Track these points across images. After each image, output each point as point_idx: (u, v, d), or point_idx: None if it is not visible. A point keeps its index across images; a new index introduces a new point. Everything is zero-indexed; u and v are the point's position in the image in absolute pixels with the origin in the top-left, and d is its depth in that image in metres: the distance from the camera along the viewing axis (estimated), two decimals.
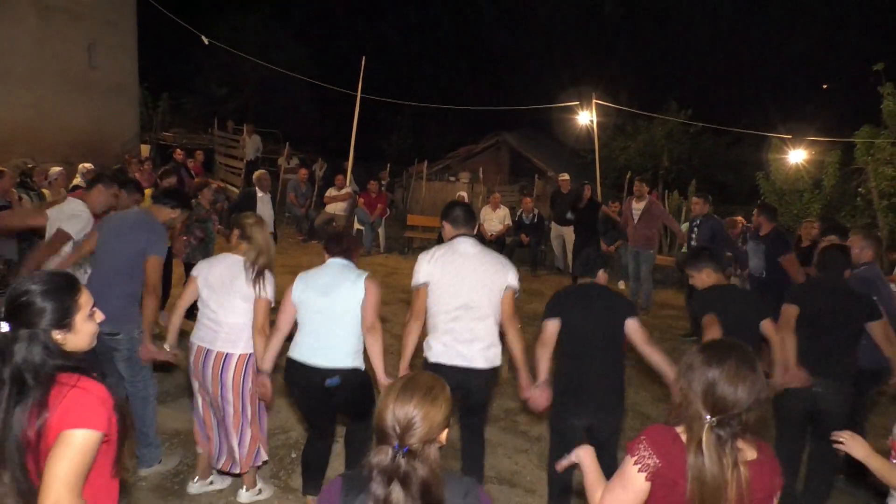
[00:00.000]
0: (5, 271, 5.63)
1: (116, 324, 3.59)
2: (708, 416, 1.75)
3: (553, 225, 11.33)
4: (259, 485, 3.79)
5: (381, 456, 1.57)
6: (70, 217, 4.38)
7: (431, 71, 32.04)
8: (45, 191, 6.69)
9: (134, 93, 16.05)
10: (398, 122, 26.39)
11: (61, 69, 13.71)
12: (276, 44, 24.72)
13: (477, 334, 3.47)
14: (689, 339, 7.34)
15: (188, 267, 6.36)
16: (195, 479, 3.77)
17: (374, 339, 3.42)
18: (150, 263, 3.83)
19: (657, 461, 1.80)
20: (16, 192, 6.10)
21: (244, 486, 3.72)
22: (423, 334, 3.63)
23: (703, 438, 1.73)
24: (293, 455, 4.34)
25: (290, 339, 3.56)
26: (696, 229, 7.65)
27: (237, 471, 3.67)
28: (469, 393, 3.51)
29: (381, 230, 12.02)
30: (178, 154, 11.82)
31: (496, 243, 11.31)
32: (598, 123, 14.55)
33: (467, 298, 3.46)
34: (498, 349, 3.57)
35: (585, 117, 15.09)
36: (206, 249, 6.61)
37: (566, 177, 11.39)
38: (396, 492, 1.54)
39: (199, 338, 3.60)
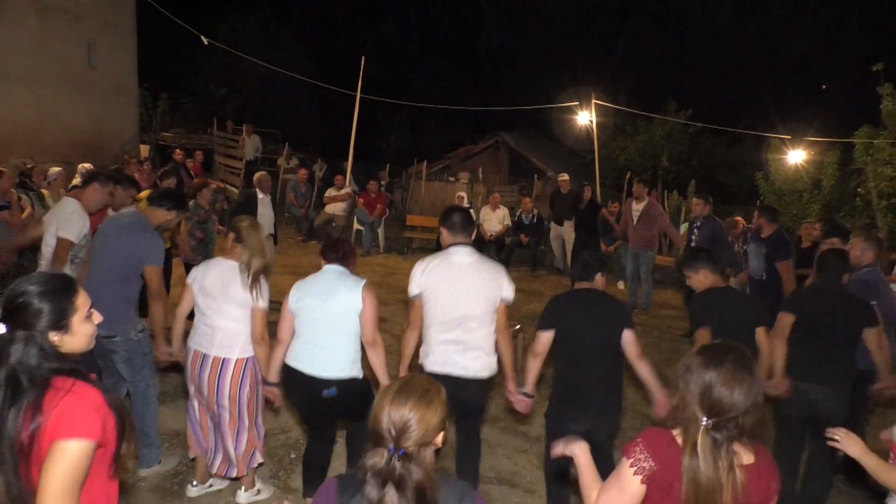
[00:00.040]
0: (5, 271, 5.63)
1: (112, 326, 3.59)
2: (704, 419, 1.75)
3: (552, 225, 11.33)
4: (258, 485, 3.79)
5: (377, 458, 1.56)
6: (64, 218, 4.35)
7: (431, 71, 32.07)
8: (44, 191, 6.69)
9: (133, 93, 16.05)
10: (397, 122, 26.39)
11: (61, 69, 13.71)
12: (275, 44, 24.73)
13: (472, 344, 3.45)
14: (688, 340, 7.33)
15: (188, 267, 6.35)
16: (194, 483, 3.77)
17: (376, 352, 3.46)
18: (149, 273, 3.87)
19: (653, 464, 1.80)
20: (15, 192, 6.09)
21: (243, 487, 3.72)
22: (420, 342, 3.63)
23: (699, 441, 1.73)
24: (292, 455, 4.34)
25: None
26: (696, 231, 7.64)
27: (233, 474, 3.66)
28: (464, 402, 3.49)
29: (380, 230, 12.01)
30: (178, 154, 11.82)
31: (495, 243, 11.32)
32: (598, 123, 14.56)
33: (463, 309, 3.43)
34: (493, 359, 3.55)
35: (585, 117, 15.09)
36: (205, 250, 6.61)
37: (566, 177, 11.39)
38: (391, 494, 1.54)
39: (196, 342, 3.59)
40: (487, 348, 3.51)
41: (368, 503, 1.56)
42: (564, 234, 11.01)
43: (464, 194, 12.28)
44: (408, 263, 9.53)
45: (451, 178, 16.76)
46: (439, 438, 1.66)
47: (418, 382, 1.68)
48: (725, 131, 18.12)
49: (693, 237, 7.63)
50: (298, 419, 4.57)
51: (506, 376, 3.63)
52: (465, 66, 32.85)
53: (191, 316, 3.72)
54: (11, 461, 1.63)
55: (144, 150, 15.65)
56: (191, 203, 6.90)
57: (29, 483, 1.64)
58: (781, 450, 3.89)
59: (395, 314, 7.48)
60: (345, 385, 3.37)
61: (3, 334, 1.69)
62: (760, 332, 3.80)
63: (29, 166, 7.24)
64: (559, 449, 2.16)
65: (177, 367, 3.98)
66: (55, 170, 7.04)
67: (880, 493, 2.53)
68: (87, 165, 8.02)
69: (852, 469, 4.16)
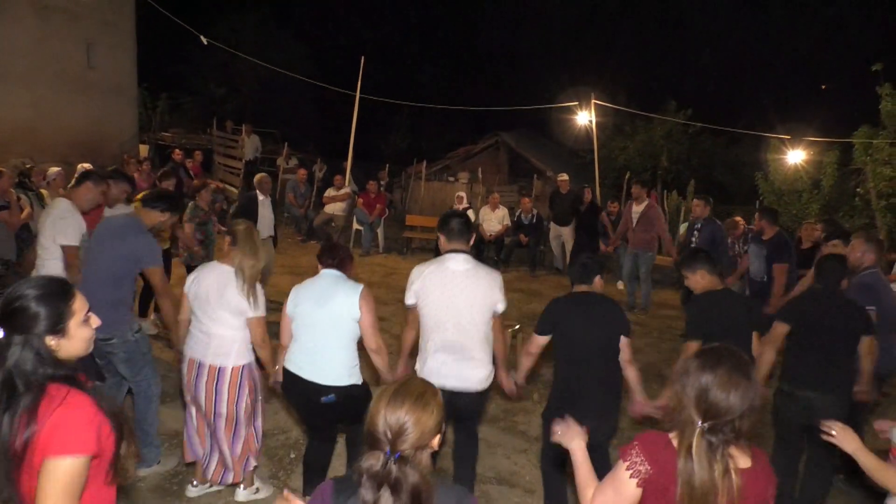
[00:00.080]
0: (3, 272, 5.63)
1: (109, 328, 3.58)
2: (700, 422, 1.75)
3: (552, 225, 11.34)
4: (256, 483, 3.79)
5: (372, 461, 1.56)
6: (57, 220, 4.32)
7: (430, 71, 32.03)
8: (43, 191, 6.68)
9: (132, 93, 16.05)
10: (397, 122, 26.40)
11: (60, 69, 13.71)
12: (274, 44, 24.70)
13: (467, 355, 3.43)
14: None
15: (189, 269, 6.35)
16: (194, 483, 3.77)
17: (381, 358, 3.50)
18: (150, 274, 3.91)
19: (648, 468, 1.81)
20: (14, 192, 6.09)
21: (242, 486, 3.72)
22: (415, 351, 3.63)
23: (694, 444, 1.73)
24: (292, 455, 4.34)
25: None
26: (696, 232, 7.64)
27: (229, 480, 3.65)
28: (461, 409, 3.50)
29: (379, 230, 12.01)
30: (177, 154, 11.81)
31: (495, 244, 11.32)
32: (597, 123, 14.57)
33: (457, 318, 3.41)
34: (489, 370, 3.53)
35: (584, 117, 15.10)
36: (205, 251, 6.60)
37: (565, 177, 11.40)
38: (385, 497, 1.53)
39: (192, 349, 3.58)
40: (482, 360, 3.48)
41: None
42: (564, 234, 11.02)
43: (463, 194, 12.27)
44: (407, 263, 9.54)
45: (451, 178, 16.75)
46: (435, 441, 1.66)
47: (414, 385, 1.68)
48: (725, 131, 18.13)
49: (693, 239, 7.62)
50: (298, 419, 4.57)
51: (497, 365, 3.65)
52: (465, 66, 32.85)
53: None
54: (4, 465, 1.62)
55: (144, 150, 15.65)
56: (190, 204, 6.90)
57: (20, 488, 1.63)
58: (781, 454, 3.89)
59: (395, 314, 7.48)
60: (344, 391, 3.38)
61: (0, 339, 1.69)
62: (754, 337, 3.81)
63: (28, 166, 7.23)
64: (558, 433, 2.17)
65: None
66: (54, 170, 7.03)
67: (880, 493, 2.52)
68: (87, 165, 8.00)
69: (852, 469, 4.18)
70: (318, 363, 3.37)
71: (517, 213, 11.59)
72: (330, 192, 12.17)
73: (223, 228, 7.01)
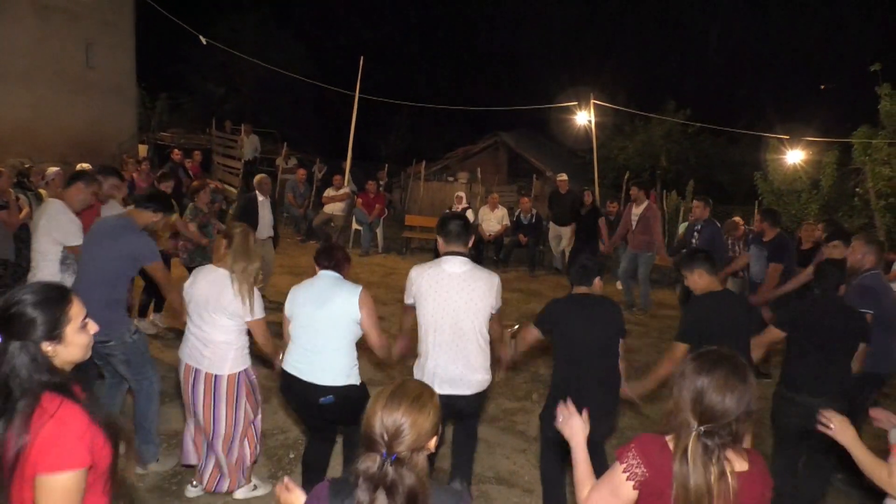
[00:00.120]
0: (2, 272, 5.62)
1: (105, 330, 3.55)
2: (696, 425, 1.75)
3: (551, 225, 11.34)
4: (254, 481, 3.80)
5: (369, 463, 1.56)
6: (58, 225, 4.30)
7: (429, 71, 32.06)
8: (42, 191, 6.67)
9: (132, 93, 16.06)
10: (396, 122, 26.40)
11: (59, 69, 13.71)
12: (274, 44, 24.67)
13: (464, 359, 3.42)
14: None
15: (189, 271, 6.35)
16: (194, 483, 3.76)
17: (385, 352, 3.63)
18: (152, 270, 3.93)
19: (644, 470, 1.81)
20: (13, 191, 6.08)
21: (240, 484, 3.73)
22: (414, 354, 3.65)
23: (690, 447, 1.73)
24: (291, 455, 4.33)
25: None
26: (696, 234, 7.64)
27: (224, 488, 3.64)
28: (459, 410, 3.51)
29: (379, 230, 12.01)
30: (176, 154, 11.80)
31: (494, 243, 11.32)
32: (597, 123, 14.56)
33: (454, 320, 3.40)
34: (487, 375, 3.53)
35: (583, 117, 15.09)
36: (204, 253, 6.60)
37: (564, 177, 11.40)
38: (381, 499, 1.53)
39: (187, 355, 3.57)
40: (480, 362, 3.47)
41: None
42: (563, 234, 11.02)
43: (462, 194, 12.27)
44: (406, 263, 9.52)
45: (450, 178, 16.76)
46: (432, 443, 1.65)
47: (411, 387, 1.68)
48: (724, 131, 18.15)
49: (693, 240, 7.62)
50: (297, 419, 4.57)
51: (498, 346, 3.79)
52: (465, 66, 32.87)
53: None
54: None
55: (143, 149, 15.65)
56: (190, 205, 6.89)
57: (12, 498, 1.63)
58: (779, 456, 3.91)
59: (394, 314, 7.47)
60: (342, 392, 3.37)
61: None
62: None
63: (27, 166, 7.23)
64: (561, 419, 2.19)
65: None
66: (53, 169, 7.01)
67: (879, 493, 2.52)
68: (86, 165, 8.01)
69: (851, 469, 4.18)
70: (316, 364, 3.37)
71: (516, 213, 11.59)
72: (329, 192, 12.17)
73: (223, 226, 7.01)
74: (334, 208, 12.01)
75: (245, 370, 3.59)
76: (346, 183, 12.33)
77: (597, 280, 3.60)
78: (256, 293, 3.55)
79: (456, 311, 3.39)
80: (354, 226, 12.03)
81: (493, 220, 11.43)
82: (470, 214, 10.93)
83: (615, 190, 16.62)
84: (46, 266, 4.27)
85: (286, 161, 15.64)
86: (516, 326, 6.26)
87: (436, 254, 3.66)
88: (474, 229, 3.58)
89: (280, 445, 4.46)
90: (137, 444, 3.96)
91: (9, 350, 1.66)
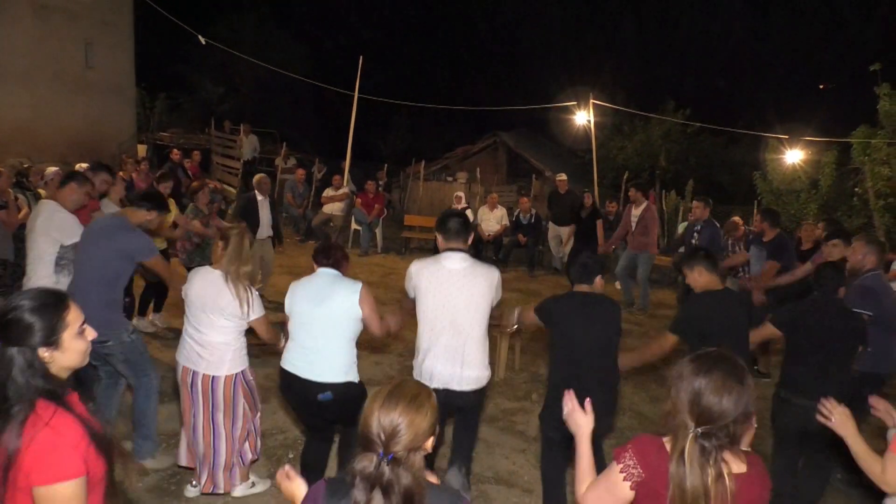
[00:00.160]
0: (2, 272, 5.62)
1: (103, 331, 3.55)
2: (693, 427, 1.75)
3: (550, 225, 11.34)
4: (252, 478, 3.80)
5: (366, 463, 1.56)
6: (58, 225, 4.28)
7: (429, 71, 32.07)
8: (41, 191, 6.67)
9: (131, 93, 16.05)
10: (395, 122, 26.39)
11: (58, 69, 13.71)
12: (273, 43, 24.67)
13: (463, 356, 3.42)
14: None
15: (189, 271, 6.34)
16: (193, 483, 3.76)
17: (385, 332, 3.70)
18: (152, 264, 3.96)
19: (641, 471, 1.81)
20: (12, 191, 6.08)
21: (238, 481, 3.73)
22: (415, 326, 3.64)
23: (687, 448, 1.73)
24: (290, 455, 4.33)
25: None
26: (695, 234, 7.65)
27: (222, 488, 3.63)
28: (459, 407, 3.52)
29: (378, 230, 12.01)
30: (175, 154, 11.80)
31: (493, 243, 11.32)
32: (596, 123, 14.56)
33: (453, 317, 3.40)
34: (486, 371, 3.53)
35: (583, 117, 15.09)
36: (202, 253, 6.60)
37: (563, 177, 11.40)
38: (377, 499, 1.53)
39: (184, 358, 3.56)
40: (479, 359, 3.48)
41: None
42: (562, 233, 11.03)
43: (461, 194, 12.27)
44: (406, 263, 9.50)
45: (449, 178, 16.76)
46: (429, 443, 1.65)
47: (408, 387, 1.68)
48: (723, 131, 18.14)
49: (693, 241, 7.63)
50: (296, 419, 4.57)
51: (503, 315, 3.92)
52: (464, 65, 32.88)
53: None
54: None
55: (142, 149, 15.65)
56: (190, 206, 6.89)
57: (3, 502, 1.63)
58: (779, 457, 3.91)
59: (393, 314, 7.46)
60: (340, 389, 3.37)
61: None
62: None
63: (26, 166, 7.23)
64: (567, 410, 2.21)
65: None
66: (52, 170, 7.01)
67: (878, 493, 2.53)
68: (85, 165, 8.00)
69: (850, 469, 4.18)
70: (314, 361, 3.36)
71: (515, 213, 11.60)
72: (328, 192, 12.17)
73: (225, 224, 6.99)
74: (333, 208, 12.01)
75: (243, 371, 3.59)
76: (345, 183, 12.33)
77: (598, 278, 3.60)
78: (254, 292, 3.55)
79: (456, 308, 3.39)
80: (353, 226, 12.03)
81: (492, 220, 11.43)
82: (469, 214, 10.92)
83: (614, 190, 16.61)
84: (41, 268, 4.24)
85: (285, 161, 15.64)
86: (515, 326, 6.28)
87: (435, 252, 3.66)
88: (473, 229, 3.60)
89: (279, 445, 4.46)
90: (135, 440, 3.99)
91: (6, 356, 1.66)
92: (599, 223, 10.17)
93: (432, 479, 1.92)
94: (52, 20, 13.56)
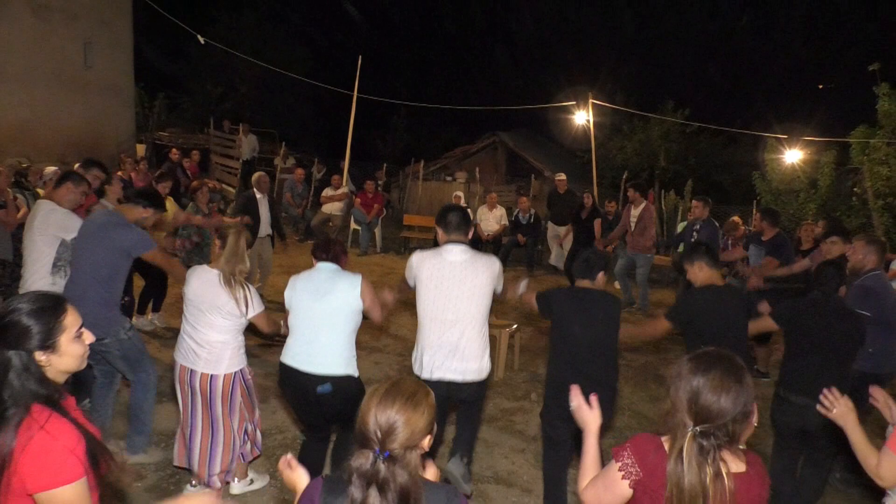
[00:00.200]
0: (1, 272, 5.61)
1: (101, 329, 3.54)
2: (692, 425, 1.75)
3: (550, 225, 11.34)
4: (250, 475, 3.81)
5: (362, 460, 1.57)
6: (61, 223, 4.28)
7: (428, 70, 32.07)
8: (39, 190, 6.66)
9: (129, 92, 16.01)
10: (395, 121, 26.39)
11: (57, 68, 13.68)
12: (272, 43, 24.67)
13: (464, 348, 3.42)
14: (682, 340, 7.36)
15: (188, 268, 6.34)
16: (193, 483, 3.76)
17: (384, 317, 3.71)
18: (150, 258, 3.96)
19: (639, 470, 1.82)
20: (10, 191, 6.08)
21: (236, 478, 3.74)
22: (414, 326, 3.63)
23: (685, 447, 1.73)
24: (289, 455, 4.32)
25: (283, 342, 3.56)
26: (694, 233, 7.66)
27: (218, 485, 3.62)
28: (461, 400, 3.53)
29: (377, 230, 12.01)
30: (174, 154, 11.79)
31: (492, 243, 11.32)
32: (595, 123, 14.56)
33: (454, 309, 3.41)
34: (487, 361, 3.53)
35: (582, 117, 15.09)
36: (201, 253, 6.60)
37: (563, 177, 11.41)
38: (373, 496, 1.54)
39: (182, 357, 3.56)
40: (481, 349, 3.48)
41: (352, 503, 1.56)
42: (562, 233, 11.02)
43: (461, 194, 12.28)
44: (404, 263, 9.52)
45: (449, 178, 16.77)
46: (426, 442, 1.66)
47: (406, 385, 1.68)
48: (722, 131, 18.18)
49: (692, 240, 7.64)
50: (294, 419, 4.57)
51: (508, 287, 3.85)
52: (463, 65, 32.88)
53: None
54: None
55: (141, 149, 15.62)
56: (189, 205, 6.89)
57: None
58: (779, 456, 3.92)
59: (392, 314, 7.46)
60: (340, 382, 3.36)
61: None
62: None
63: (25, 166, 7.22)
64: (575, 404, 2.22)
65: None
66: (51, 169, 7.00)
67: (877, 492, 2.53)
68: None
69: (849, 468, 4.19)
70: (315, 354, 3.36)
71: (515, 213, 11.60)
72: (327, 192, 12.17)
73: (228, 221, 6.98)
74: (333, 208, 12.01)
75: (241, 370, 3.58)
76: (344, 183, 12.32)
77: (600, 275, 3.59)
78: (252, 289, 3.55)
79: (458, 300, 3.41)
80: (353, 225, 12.03)
81: (491, 219, 11.43)
82: (468, 212, 10.92)
83: (613, 190, 16.62)
84: (38, 269, 4.22)
85: (284, 161, 15.64)
86: (514, 326, 6.29)
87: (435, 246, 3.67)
88: (473, 226, 3.65)
89: (278, 445, 4.46)
90: (129, 434, 4.01)
91: (2, 359, 1.66)
92: (597, 222, 10.18)
93: (432, 469, 1.92)
94: (51, 20, 13.54)
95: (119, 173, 8.61)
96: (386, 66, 27.81)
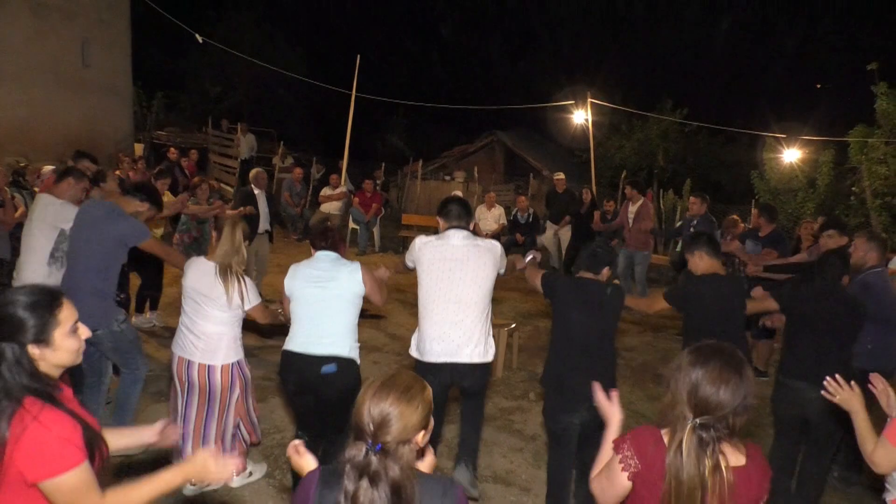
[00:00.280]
0: None
1: (94, 321, 3.54)
2: (691, 417, 1.75)
3: (548, 224, 11.34)
4: (249, 467, 3.81)
5: (355, 451, 1.58)
6: (62, 214, 4.27)
7: (427, 70, 32.07)
8: (37, 189, 6.66)
9: (127, 91, 15.98)
10: (393, 121, 26.38)
11: (54, 68, 13.65)
12: (271, 42, 24.67)
13: (467, 329, 3.44)
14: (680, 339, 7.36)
15: None
16: (192, 482, 3.75)
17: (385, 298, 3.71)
18: (147, 248, 3.95)
19: (638, 463, 1.83)
20: (8, 190, 6.07)
21: (234, 472, 3.72)
22: (413, 326, 3.64)
23: (685, 439, 1.74)
24: (297, 441, 4.32)
25: (285, 333, 3.55)
26: (691, 230, 7.66)
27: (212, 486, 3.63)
28: (464, 386, 3.55)
29: (376, 229, 12.01)
30: (173, 153, 11.79)
31: None
32: (594, 122, 14.57)
33: (457, 291, 3.45)
34: (490, 344, 3.56)
35: (580, 116, 15.10)
36: (199, 248, 6.59)
37: (561, 176, 11.40)
38: (364, 488, 1.55)
39: (180, 348, 3.57)
40: (483, 333, 3.51)
41: (345, 495, 1.57)
42: (561, 233, 11.02)
43: (459, 193, 12.26)
44: None
45: (447, 177, 16.77)
46: (420, 437, 1.66)
47: (401, 379, 1.68)
48: (721, 130, 18.20)
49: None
50: (293, 419, 4.56)
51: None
52: (461, 64, 32.88)
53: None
54: None
55: (139, 148, 15.60)
56: (189, 202, 6.88)
57: None
58: (779, 448, 3.91)
59: (391, 313, 7.46)
60: (343, 364, 3.37)
61: None
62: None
63: (22, 165, 7.21)
64: (598, 398, 2.26)
65: None
66: (49, 168, 7.00)
67: (877, 488, 2.53)
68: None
69: (848, 465, 4.19)
70: (321, 336, 3.37)
71: (513, 212, 11.60)
72: (326, 192, 12.16)
73: (230, 214, 6.98)
74: (331, 207, 12.00)
75: (238, 362, 3.59)
76: (342, 182, 12.32)
77: (605, 270, 3.57)
78: (248, 281, 3.56)
79: (461, 282, 3.45)
80: (351, 225, 12.03)
81: (489, 219, 11.43)
82: (469, 204, 10.91)
83: (612, 189, 16.63)
84: (34, 260, 4.23)
85: (283, 160, 15.63)
86: (513, 325, 6.29)
87: None
88: (472, 218, 3.70)
89: (277, 445, 4.45)
90: (114, 423, 3.99)
91: None
92: (597, 213, 10.17)
93: (430, 458, 1.92)
94: (49, 19, 13.51)
95: (117, 172, 8.59)
96: (385, 66, 27.83)
